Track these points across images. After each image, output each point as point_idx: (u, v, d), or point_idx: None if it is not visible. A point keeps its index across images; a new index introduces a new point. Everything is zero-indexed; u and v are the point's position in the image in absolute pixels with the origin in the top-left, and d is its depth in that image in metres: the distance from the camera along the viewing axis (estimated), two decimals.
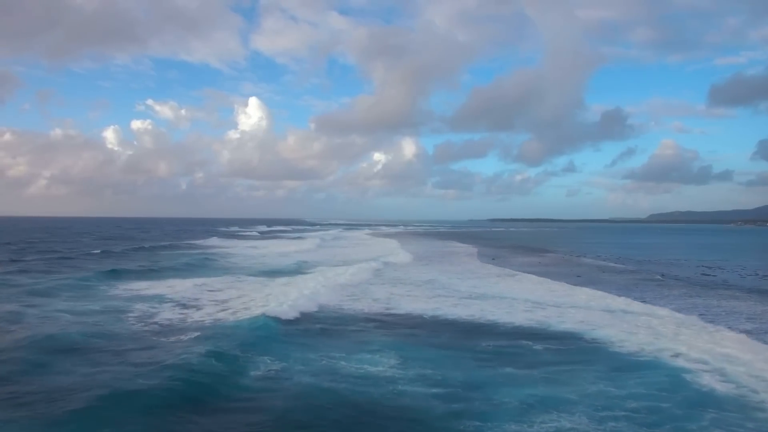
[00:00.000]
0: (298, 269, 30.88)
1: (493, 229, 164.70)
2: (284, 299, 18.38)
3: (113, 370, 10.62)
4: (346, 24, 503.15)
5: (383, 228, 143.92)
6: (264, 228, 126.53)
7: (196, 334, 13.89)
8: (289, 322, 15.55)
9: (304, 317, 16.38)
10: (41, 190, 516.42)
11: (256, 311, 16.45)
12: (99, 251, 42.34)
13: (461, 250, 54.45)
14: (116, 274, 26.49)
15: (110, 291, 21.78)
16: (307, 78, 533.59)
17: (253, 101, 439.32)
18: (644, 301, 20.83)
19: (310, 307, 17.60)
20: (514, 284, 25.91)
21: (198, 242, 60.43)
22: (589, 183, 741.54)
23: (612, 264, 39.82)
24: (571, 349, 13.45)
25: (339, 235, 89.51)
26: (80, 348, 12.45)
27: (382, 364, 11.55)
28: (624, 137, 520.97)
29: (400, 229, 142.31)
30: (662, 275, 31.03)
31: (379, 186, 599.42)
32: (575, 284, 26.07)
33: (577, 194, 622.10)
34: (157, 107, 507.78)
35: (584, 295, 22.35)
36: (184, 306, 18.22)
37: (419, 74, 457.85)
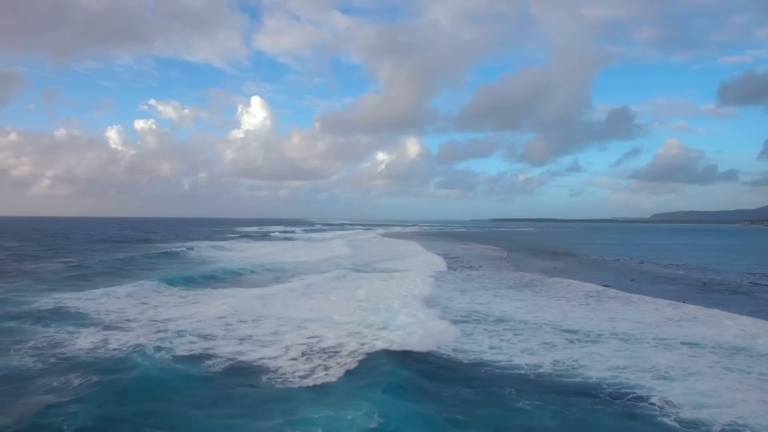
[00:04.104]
0: (357, 277, 28.55)
1: (499, 230, 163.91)
2: (394, 326, 15.33)
3: None
4: (349, 23, 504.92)
5: (395, 228, 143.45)
6: (282, 228, 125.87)
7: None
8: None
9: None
10: (44, 190, 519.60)
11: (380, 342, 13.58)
12: (124, 256, 40.40)
13: (488, 253, 53.16)
14: (161, 285, 23.98)
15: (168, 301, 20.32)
16: (309, 77, 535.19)
17: (255, 101, 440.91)
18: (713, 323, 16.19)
19: (428, 344, 13.71)
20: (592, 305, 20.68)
21: (222, 244, 58.02)
22: (592, 183, 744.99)
23: (638, 268, 37.92)
24: (624, 421, 9.16)
25: (360, 237, 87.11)
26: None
27: None
28: (631, 136, 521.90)
29: (412, 229, 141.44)
30: (704, 284, 29.02)
31: (382, 186, 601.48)
32: (614, 297, 22.76)
33: (580, 194, 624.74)
34: (160, 107, 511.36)
35: (632, 312, 18.75)
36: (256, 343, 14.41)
37: (425, 73, 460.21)
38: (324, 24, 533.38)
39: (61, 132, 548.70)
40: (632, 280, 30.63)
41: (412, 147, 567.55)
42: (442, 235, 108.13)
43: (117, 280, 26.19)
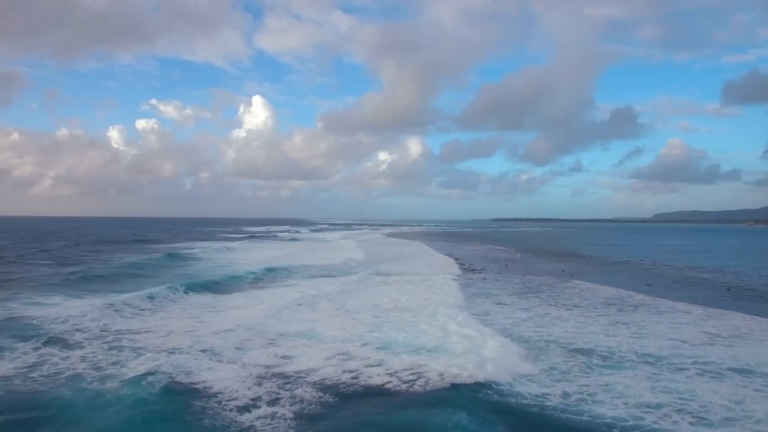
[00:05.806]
0: (378, 282, 26.71)
1: (503, 230, 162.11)
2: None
3: None
4: (351, 22, 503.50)
5: (400, 228, 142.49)
6: (287, 228, 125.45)
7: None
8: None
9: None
10: (46, 190, 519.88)
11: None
12: (120, 258, 38.40)
13: (498, 254, 51.31)
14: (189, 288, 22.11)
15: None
16: (311, 77, 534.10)
17: (257, 100, 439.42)
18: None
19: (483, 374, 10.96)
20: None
21: (228, 245, 55.72)
22: (594, 182, 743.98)
23: (652, 271, 35.71)
24: None
25: (368, 237, 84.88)
26: None
27: None
28: (634, 136, 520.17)
29: (417, 229, 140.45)
30: (729, 289, 26.46)
31: (383, 185, 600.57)
32: (638, 305, 20.44)
33: (582, 194, 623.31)
34: (162, 107, 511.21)
35: (663, 325, 16.37)
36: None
37: (428, 72, 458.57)
38: (326, 23, 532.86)
39: (63, 132, 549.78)
40: (648, 284, 28.19)
41: (414, 147, 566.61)
42: (447, 235, 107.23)
43: (104, 285, 24.16)
